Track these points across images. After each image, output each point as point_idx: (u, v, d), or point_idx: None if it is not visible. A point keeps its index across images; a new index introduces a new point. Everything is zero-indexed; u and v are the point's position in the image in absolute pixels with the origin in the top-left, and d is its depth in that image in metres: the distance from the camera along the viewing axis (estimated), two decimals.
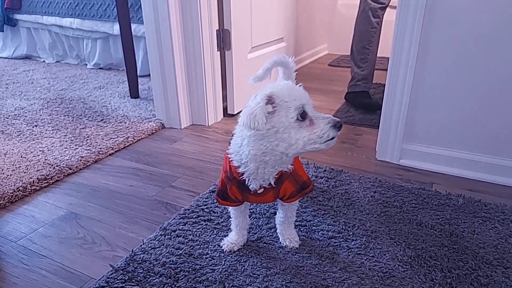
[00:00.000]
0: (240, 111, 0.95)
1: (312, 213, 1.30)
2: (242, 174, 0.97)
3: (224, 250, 1.12)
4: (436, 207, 1.32)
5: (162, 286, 0.99)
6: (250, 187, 0.98)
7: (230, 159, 0.98)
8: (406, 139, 1.65)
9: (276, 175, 0.97)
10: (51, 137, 1.93)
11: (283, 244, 1.14)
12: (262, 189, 0.99)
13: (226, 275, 1.03)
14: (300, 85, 0.93)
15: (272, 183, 0.97)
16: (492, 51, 1.38)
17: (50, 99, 2.54)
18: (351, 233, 1.19)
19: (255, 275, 1.03)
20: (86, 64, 3.51)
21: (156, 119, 2.14)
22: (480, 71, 1.43)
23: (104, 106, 2.39)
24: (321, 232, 1.20)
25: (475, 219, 1.26)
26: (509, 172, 1.48)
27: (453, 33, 1.42)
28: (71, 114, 2.25)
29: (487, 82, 1.43)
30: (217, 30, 2.04)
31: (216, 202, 1.33)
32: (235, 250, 1.13)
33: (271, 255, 1.11)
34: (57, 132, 1.99)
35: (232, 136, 1.00)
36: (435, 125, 1.57)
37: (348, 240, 1.16)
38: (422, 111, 1.57)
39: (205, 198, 1.38)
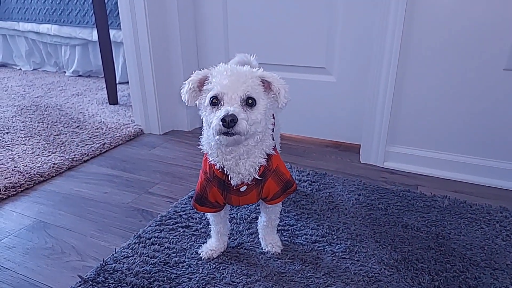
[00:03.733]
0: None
1: (295, 217, 1.25)
2: (222, 170, 0.92)
3: (203, 257, 1.06)
4: (422, 209, 1.29)
5: None
6: (232, 182, 0.92)
7: (208, 156, 0.94)
8: (390, 142, 1.62)
9: (258, 169, 0.92)
10: (22, 144, 1.84)
11: (265, 249, 1.09)
12: (245, 187, 0.94)
13: (204, 283, 0.97)
14: (250, 69, 0.88)
15: (256, 176, 0.92)
16: (477, 53, 1.37)
17: (24, 106, 2.44)
18: (335, 237, 1.15)
19: (234, 283, 0.97)
20: (64, 72, 3.41)
21: (134, 125, 2.07)
22: (464, 72, 1.41)
23: (81, 112, 2.31)
24: (304, 236, 1.15)
25: (461, 221, 1.22)
26: (493, 173, 1.47)
27: (437, 33, 1.41)
28: (45, 121, 2.16)
29: (470, 83, 1.42)
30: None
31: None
32: (214, 257, 1.06)
33: (252, 262, 1.05)
34: (29, 139, 1.91)
35: None
36: (418, 127, 1.55)
37: (332, 244, 1.11)
38: (405, 113, 1.55)
39: (184, 204, 1.32)
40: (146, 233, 1.16)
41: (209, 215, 1.06)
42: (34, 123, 2.13)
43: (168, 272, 1.01)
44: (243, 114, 0.81)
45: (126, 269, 1.01)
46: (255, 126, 0.85)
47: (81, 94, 2.74)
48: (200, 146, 0.96)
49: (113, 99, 2.49)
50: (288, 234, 1.16)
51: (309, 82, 1.81)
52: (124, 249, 1.10)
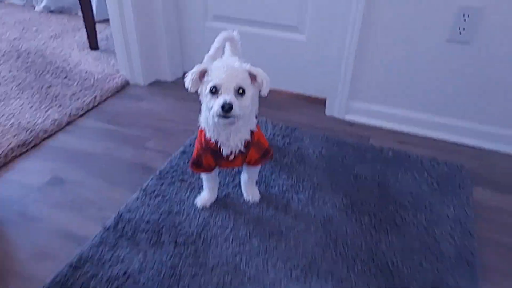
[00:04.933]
0: None
1: (270, 169, 1.54)
2: (216, 142, 1.16)
3: (198, 207, 1.35)
4: (371, 160, 1.61)
5: (149, 241, 1.22)
6: (223, 153, 1.18)
7: (203, 131, 1.17)
8: (351, 96, 1.88)
9: (244, 143, 1.18)
10: (18, 98, 1.97)
11: (246, 199, 1.39)
12: (233, 156, 1.20)
13: (201, 228, 1.28)
14: (240, 64, 1.09)
15: (242, 149, 1.18)
16: (434, 12, 1.57)
17: (5, 51, 2.48)
18: (301, 186, 1.46)
19: (224, 226, 1.28)
20: (34, 6, 3.32)
21: (120, 75, 2.21)
22: (416, 36, 1.64)
23: (64, 60, 2.40)
24: (277, 187, 1.45)
25: (399, 170, 1.56)
26: (431, 126, 1.78)
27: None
28: (32, 70, 2.25)
29: (420, 47, 1.65)
30: None
31: (188, 166, 1.53)
32: (208, 206, 1.36)
33: (237, 209, 1.36)
34: (23, 92, 2.03)
35: None
36: (376, 83, 1.81)
37: (299, 193, 1.43)
38: (365, 71, 1.79)
39: (178, 159, 1.58)
40: (149, 186, 1.44)
41: (203, 175, 1.33)
42: (22, 72, 2.23)
43: (172, 220, 1.30)
44: (236, 102, 1.04)
45: (138, 218, 1.30)
46: (244, 110, 1.08)
47: (59, 36, 2.76)
48: (199, 124, 1.18)
49: (93, 44, 2.55)
50: (264, 185, 1.46)
51: (281, 40, 1.98)
52: (134, 201, 1.37)
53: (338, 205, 1.38)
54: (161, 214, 1.32)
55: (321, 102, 2.02)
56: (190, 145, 1.67)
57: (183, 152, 1.62)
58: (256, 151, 1.23)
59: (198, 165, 1.25)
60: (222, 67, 1.07)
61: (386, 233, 1.27)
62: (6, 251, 1.20)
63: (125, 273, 1.11)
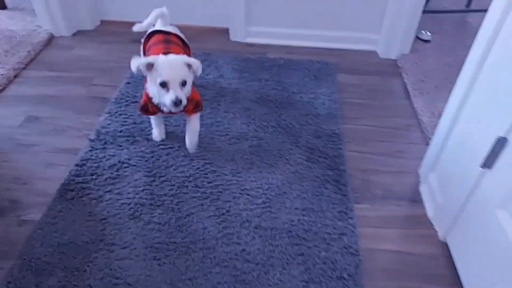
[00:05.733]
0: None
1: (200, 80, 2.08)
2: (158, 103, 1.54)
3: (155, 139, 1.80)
4: (269, 68, 2.23)
5: (127, 141, 1.72)
6: (164, 110, 1.55)
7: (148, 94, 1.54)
8: (248, 23, 2.44)
9: None
10: None
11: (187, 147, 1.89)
12: None
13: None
14: (180, 58, 1.39)
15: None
16: None
17: None
18: (224, 93, 2.04)
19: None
20: None
21: (43, 30, 2.44)
22: None
23: None
24: (207, 95, 2.01)
25: (289, 71, 2.22)
26: (308, 38, 2.45)
27: None
28: None
29: None
30: None
31: (136, 91, 1.99)
32: (160, 139, 1.76)
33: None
34: None
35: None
36: (267, 10, 2.38)
37: (224, 96, 2.01)
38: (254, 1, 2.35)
39: (125, 88, 2.02)
40: (112, 109, 1.88)
41: (150, 117, 1.77)
42: None
43: (139, 127, 1.79)
44: (182, 93, 1.38)
45: (113, 130, 1.77)
46: (187, 94, 1.44)
47: None
48: (146, 90, 1.53)
49: (1, 4, 2.66)
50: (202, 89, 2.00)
51: None
52: (104, 120, 1.82)
53: (252, 99, 2.00)
54: (129, 125, 1.80)
55: (226, 31, 2.55)
56: (131, 77, 2.10)
57: (128, 83, 2.06)
58: (191, 104, 1.59)
59: (146, 110, 1.62)
60: (167, 64, 1.35)
61: (285, 109, 1.95)
62: (23, 166, 1.60)
63: (119, 161, 1.62)
